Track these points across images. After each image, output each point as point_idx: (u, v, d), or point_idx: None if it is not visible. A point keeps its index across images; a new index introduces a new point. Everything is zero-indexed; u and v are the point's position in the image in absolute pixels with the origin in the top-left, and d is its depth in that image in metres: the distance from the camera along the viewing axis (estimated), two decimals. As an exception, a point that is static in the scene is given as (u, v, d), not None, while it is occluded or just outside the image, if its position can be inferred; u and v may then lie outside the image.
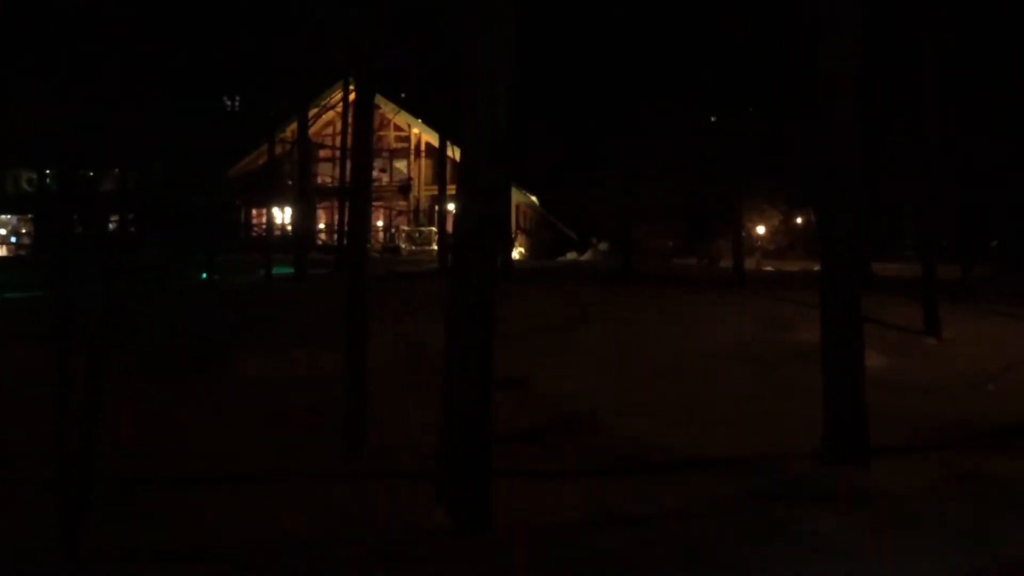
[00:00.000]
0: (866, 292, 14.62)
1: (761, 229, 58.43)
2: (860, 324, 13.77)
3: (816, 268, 19.81)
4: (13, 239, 60.50)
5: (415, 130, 60.45)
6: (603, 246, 58.24)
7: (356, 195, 17.53)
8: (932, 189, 27.23)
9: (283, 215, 56.45)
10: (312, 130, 47.72)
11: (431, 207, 58.80)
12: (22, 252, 55.96)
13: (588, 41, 49.00)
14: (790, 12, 32.16)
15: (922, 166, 27.24)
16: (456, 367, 10.72)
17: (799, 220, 58.89)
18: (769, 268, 47.00)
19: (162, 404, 18.67)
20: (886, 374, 20.40)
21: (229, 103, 49.47)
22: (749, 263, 40.96)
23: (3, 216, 61.17)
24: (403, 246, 57.96)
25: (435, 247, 49.86)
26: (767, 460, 14.02)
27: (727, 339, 24.81)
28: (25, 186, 51.79)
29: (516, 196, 54.94)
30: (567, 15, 49.11)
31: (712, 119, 45.53)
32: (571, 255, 61.07)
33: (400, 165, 62.77)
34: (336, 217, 48.29)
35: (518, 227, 59.68)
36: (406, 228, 60.87)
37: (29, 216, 56.29)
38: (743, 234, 39.57)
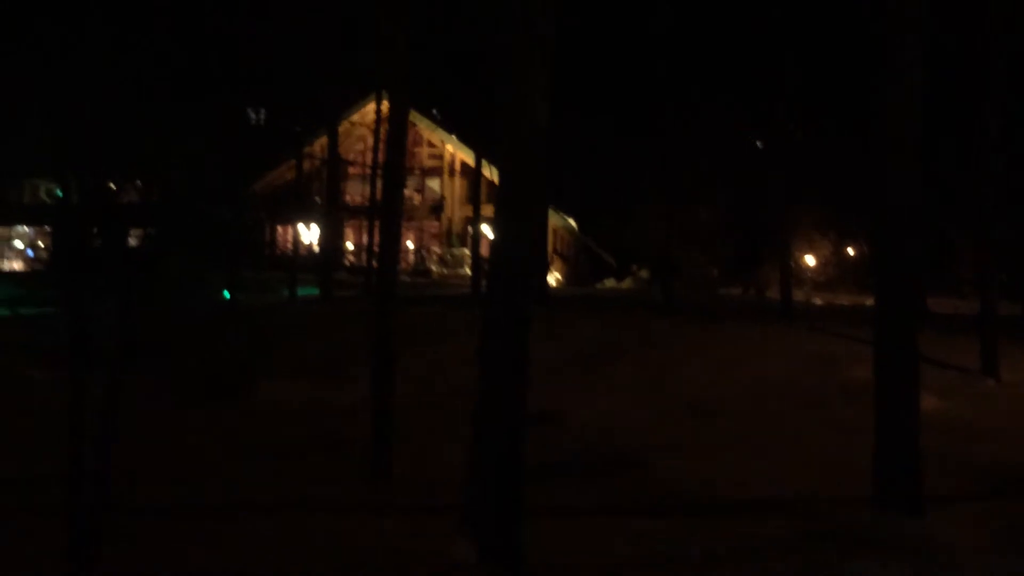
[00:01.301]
0: (921, 329, 13.65)
1: (811, 260, 57.12)
2: (916, 363, 12.97)
3: (868, 302, 18.85)
4: (29, 252, 59.99)
5: (449, 148, 59.57)
6: (643, 273, 57.44)
7: (387, 217, 16.79)
8: (992, 220, 25.89)
9: (309, 233, 55.53)
10: (341, 146, 46.79)
11: (464, 228, 57.81)
12: (38, 265, 55.56)
13: (632, 63, 48.36)
14: (845, 27, 31.33)
15: (982, 195, 25.97)
16: (489, 398, 10.55)
17: (851, 251, 57.66)
18: (819, 301, 45.87)
19: (180, 429, 18.51)
20: (941, 416, 19.26)
21: (254, 115, 48.72)
22: (798, 295, 39.85)
23: (19, 228, 60.66)
24: (434, 268, 57.04)
25: (468, 270, 48.99)
26: (815, 504, 13.48)
27: (773, 375, 23.94)
28: (43, 196, 51.35)
29: (553, 219, 54.03)
30: (610, 34, 48.39)
31: (758, 144, 44.66)
32: (609, 282, 60.36)
33: (433, 184, 61.79)
34: (365, 237, 47.39)
35: (555, 252, 58.58)
36: (438, 250, 59.77)
37: (46, 228, 55.90)
38: (792, 264, 38.35)
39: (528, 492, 10.59)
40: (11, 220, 58.69)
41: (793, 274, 38.46)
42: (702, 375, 23.87)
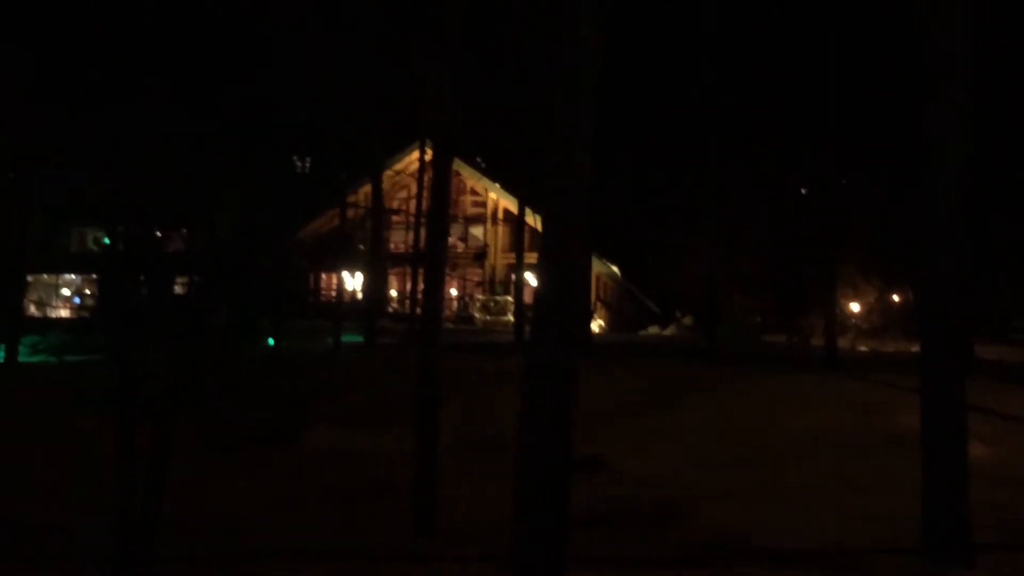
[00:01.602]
0: (968, 376, 13.43)
1: (855, 307, 56.69)
2: (963, 411, 12.78)
3: (914, 349, 18.60)
4: (76, 299, 60.39)
5: (492, 195, 59.63)
6: (687, 320, 57.03)
7: (430, 266, 16.89)
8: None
9: (353, 281, 55.66)
10: (385, 194, 47.07)
11: (507, 275, 57.79)
12: (85, 313, 55.82)
13: (676, 109, 48.36)
14: (889, 71, 31.21)
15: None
16: (532, 447, 10.57)
17: (896, 298, 57.14)
18: (864, 348, 45.46)
19: (226, 476, 18.77)
20: (989, 465, 18.91)
21: (299, 164, 49.08)
22: (843, 342, 39.51)
23: (67, 276, 61.13)
24: (477, 316, 56.97)
25: (511, 317, 48.96)
26: (862, 555, 13.41)
27: (818, 423, 23.67)
28: (91, 245, 51.74)
29: (596, 266, 53.87)
30: (655, 81, 48.49)
31: (803, 191, 44.51)
32: (653, 329, 60.06)
33: (476, 231, 61.81)
34: (408, 284, 47.48)
35: (598, 298, 58.43)
36: (481, 297, 59.69)
37: (93, 276, 56.29)
38: (836, 311, 38.04)
39: (573, 541, 10.56)
40: (59, 268, 59.13)
41: (838, 321, 38.13)
42: (747, 423, 23.69)
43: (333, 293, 52.59)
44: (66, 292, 62.11)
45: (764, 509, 16.35)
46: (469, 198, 60.82)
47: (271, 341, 36.86)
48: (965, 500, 12.42)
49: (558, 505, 10.34)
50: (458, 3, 15.98)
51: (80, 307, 58.70)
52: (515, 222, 45.50)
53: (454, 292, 60.45)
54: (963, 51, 12.76)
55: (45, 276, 59.29)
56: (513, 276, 49.78)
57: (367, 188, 45.98)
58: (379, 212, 42.63)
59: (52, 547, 13.28)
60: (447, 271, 20.18)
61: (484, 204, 60.89)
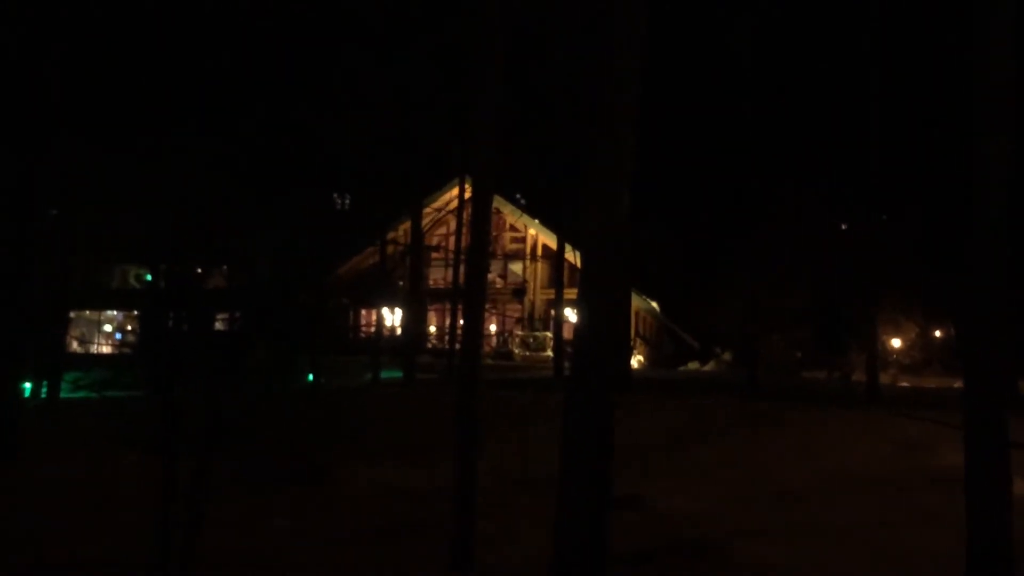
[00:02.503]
0: (1011, 413, 13.02)
1: (896, 342, 56.30)
2: (1007, 449, 12.44)
3: (955, 385, 18.35)
4: (118, 335, 60.70)
5: (531, 231, 59.71)
6: (727, 356, 56.75)
7: (470, 302, 16.85)
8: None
9: (392, 317, 55.76)
10: (424, 230, 47.19)
11: (546, 311, 57.79)
12: (126, 349, 56.01)
13: (713, 146, 48.33)
14: (928, 107, 31.10)
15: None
16: (570, 486, 10.51)
17: (937, 334, 56.76)
18: (905, 384, 45.19)
19: (263, 513, 18.55)
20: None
21: (339, 202, 49.34)
22: (884, 378, 39.27)
23: (108, 312, 61.48)
24: (516, 351, 56.91)
25: (550, 353, 48.88)
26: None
27: (859, 460, 23.69)
28: (132, 282, 52.11)
29: (636, 301, 53.79)
30: (690, 111, 48.49)
31: (843, 227, 44.30)
32: (692, 365, 59.84)
33: (515, 267, 61.85)
34: (447, 320, 47.56)
35: (637, 334, 58.29)
36: (520, 333, 59.66)
37: (135, 312, 56.55)
38: (877, 347, 37.82)
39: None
40: (101, 305, 59.50)
41: (879, 357, 37.91)
42: (787, 460, 23.64)
43: (372, 329, 52.68)
44: (108, 328, 62.49)
45: (804, 548, 16.26)
46: (508, 235, 60.88)
47: (310, 377, 36.98)
48: (1010, 538, 12.19)
49: (597, 541, 10.27)
50: (502, 41, 16.03)
51: (121, 343, 59.00)
52: (554, 258, 45.59)
53: (493, 328, 60.43)
54: (1010, 88, 12.66)
55: (87, 312, 59.66)
56: (552, 312, 49.82)
57: (407, 225, 46.22)
58: (418, 248, 42.79)
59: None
60: (486, 307, 20.15)
61: (523, 240, 60.96)
